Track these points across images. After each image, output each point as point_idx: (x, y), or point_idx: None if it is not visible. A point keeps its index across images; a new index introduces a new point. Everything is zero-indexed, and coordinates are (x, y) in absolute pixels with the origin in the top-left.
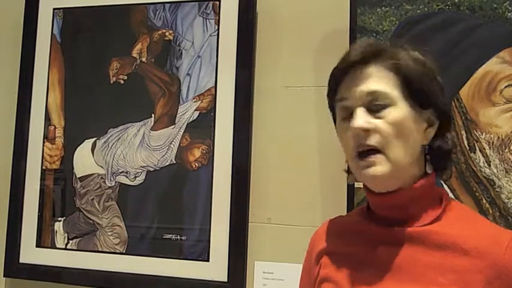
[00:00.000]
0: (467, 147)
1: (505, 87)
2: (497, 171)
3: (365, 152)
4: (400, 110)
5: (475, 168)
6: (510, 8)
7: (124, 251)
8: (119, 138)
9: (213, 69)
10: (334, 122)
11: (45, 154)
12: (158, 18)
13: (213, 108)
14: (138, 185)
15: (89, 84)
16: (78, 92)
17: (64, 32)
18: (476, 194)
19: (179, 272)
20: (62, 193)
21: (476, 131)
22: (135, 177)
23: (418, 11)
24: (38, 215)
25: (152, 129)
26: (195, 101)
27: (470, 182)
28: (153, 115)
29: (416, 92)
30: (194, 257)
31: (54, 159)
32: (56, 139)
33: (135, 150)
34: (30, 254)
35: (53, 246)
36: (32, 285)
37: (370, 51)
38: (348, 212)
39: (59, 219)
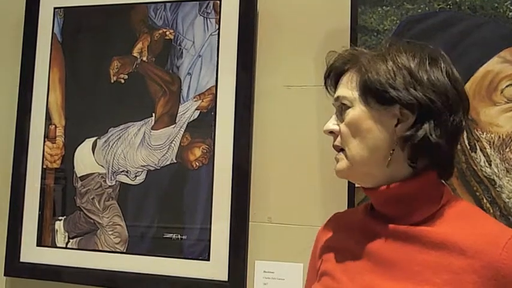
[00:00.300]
0: (468, 147)
1: (506, 86)
2: (498, 171)
3: (336, 150)
4: (355, 111)
5: (475, 168)
6: (511, 7)
7: (124, 250)
8: (120, 138)
9: (213, 69)
10: None
11: (45, 153)
12: (159, 18)
13: (214, 108)
14: (139, 184)
15: (89, 83)
16: (79, 91)
17: (65, 31)
18: (477, 193)
19: (180, 271)
20: (63, 192)
21: (477, 130)
22: (136, 176)
23: (419, 10)
24: (39, 214)
25: (153, 128)
26: (195, 101)
27: (471, 182)
28: (153, 114)
29: (372, 91)
30: (194, 256)
31: (55, 158)
32: (57, 138)
33: (135, 149)
34: (31, 253)
35: (53, 245)
36: (32, 284)
37: (348, 57)
38: None
39: (60, 218)
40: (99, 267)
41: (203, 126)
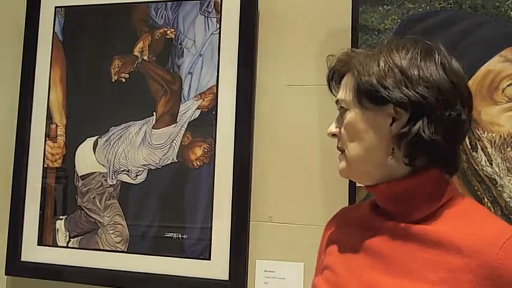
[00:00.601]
0: (469, 146)
1: (507, 86)
2: (499, 170)
3: (340, 151)
4: (351, 113)
5: (476, 167)
6: None
7: (125, 250)
8: (121, 137)
9: (214, 68)
10: None
11: (46, 152)
12: (160, 17)
13: (215, 107)
14: (140, 184)
15: (90, 82)
16: (80, 90)
17: (66, 30)
18: (478, 193)
19: (180, 271)
20: (64, 191)
21: (478, 129)
22: (137, 175)
23: (420, 10)
24: (40, 214)
25: (154, 127)
26: (196, 100)
27: (472, 181)
28: (154, 113)
29: (364, 92)
30: (195, 255)
31: (56, 157)
32: (58, 137)
33: (136, 148)
34: (32, 252)
35: (54, 244)
36: (33, 284)
37: (345, 59)
38: None
39: (61, 217)
40: (100, 266)
41: (204, 125)
